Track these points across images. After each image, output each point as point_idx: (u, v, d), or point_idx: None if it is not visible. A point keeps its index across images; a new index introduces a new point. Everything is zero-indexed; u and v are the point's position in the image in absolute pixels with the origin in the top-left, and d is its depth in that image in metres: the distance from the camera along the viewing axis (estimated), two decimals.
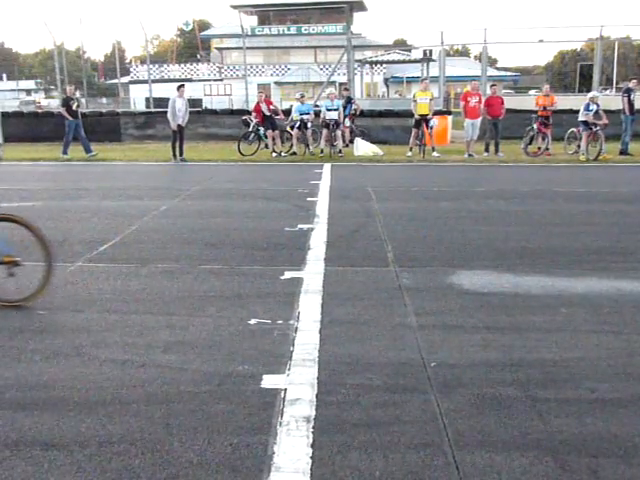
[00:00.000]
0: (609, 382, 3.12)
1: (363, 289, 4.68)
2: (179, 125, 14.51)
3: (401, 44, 56.99)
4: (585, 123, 14.09)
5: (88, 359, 3.42)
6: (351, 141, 16.31)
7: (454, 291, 4.60)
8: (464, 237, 6.41)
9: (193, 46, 59.75)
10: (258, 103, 15.59)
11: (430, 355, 3.43)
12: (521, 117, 16.08)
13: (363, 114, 18.07)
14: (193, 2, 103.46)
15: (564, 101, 17.92)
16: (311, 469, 2.39)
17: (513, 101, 19.59)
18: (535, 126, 14.75)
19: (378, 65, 45.22)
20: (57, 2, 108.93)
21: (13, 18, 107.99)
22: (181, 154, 14.76)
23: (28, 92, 60.45)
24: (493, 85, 16.17)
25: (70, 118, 15.09)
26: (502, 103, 15.00)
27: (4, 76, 62.09)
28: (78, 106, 15.38)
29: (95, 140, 15.80)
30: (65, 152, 15.22)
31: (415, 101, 15.01)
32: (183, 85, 15.09)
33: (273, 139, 15.56)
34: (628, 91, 14.96)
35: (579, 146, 14.52)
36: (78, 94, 15.96)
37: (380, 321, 3.99)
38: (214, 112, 22.09)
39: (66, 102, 15.35)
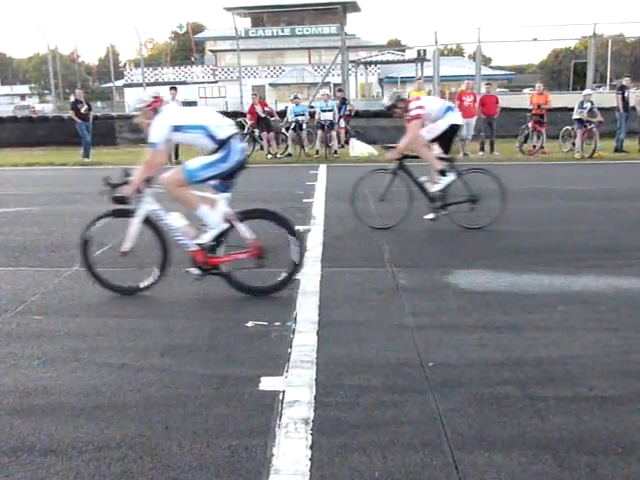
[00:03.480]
0: (607, 380, 3.12)
1: (360, 290, 4.68)
2: None
3: (395, 44, 57.07)
4: (579, 121, 14.12)
5: (85, 364, 3.41)
6: (346, 142, 16.32)
7: (451, 291, 4.60)
8: (460, 236, 6.41)
9: (187, 49, 59.64)
10: (252, 105, 15.59)
11: (428, 355, 3.43)
12: (516, 116, 16.10)
13: (358, 114, 18.09)
14: (186, 5, 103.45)
15: (558, 99, 17.97)
16: (310, 471, 2.39)
17: (507, 100, 19.62)
18: (530, 124, 14.80)
19: (372, 65, 45.28)
20: (50, 6, 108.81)
21: (6, 23, 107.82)
22: (176, 157, 14.74)
23: (22, 97, 60.34)
24: (488, 84, 16.22)
25: (79, 120, 15.16)
26: (497, 102, 15.05)
27: None
28: (88, 109, 15.41)
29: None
30: (87, 155, 15.48)
31: None
32: (175, 88, 15.09)
33: (268, 141, 15.56)
34: (622, 88, 15.02)
35: (574, 144, 14.55)
36: (73, 97, 15.94)
37: (377, 322, 3.99)
38: None
39: (74, 105, 15.38)
